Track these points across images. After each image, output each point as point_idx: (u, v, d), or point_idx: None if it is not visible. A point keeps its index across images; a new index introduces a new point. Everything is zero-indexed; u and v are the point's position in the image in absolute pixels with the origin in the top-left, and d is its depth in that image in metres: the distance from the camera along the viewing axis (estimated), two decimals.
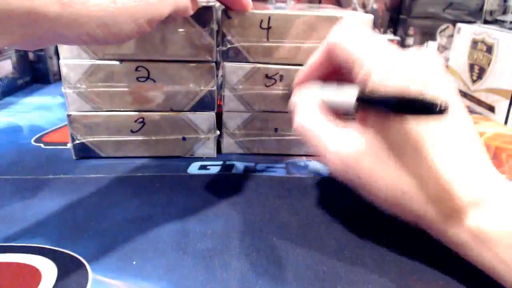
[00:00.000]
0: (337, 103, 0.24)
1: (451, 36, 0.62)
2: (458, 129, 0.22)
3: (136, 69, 0.33)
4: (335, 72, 0.26)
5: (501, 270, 0.20)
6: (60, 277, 0.22)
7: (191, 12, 0.27)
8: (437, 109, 0.18)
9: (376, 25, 0.64)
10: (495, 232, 0.20)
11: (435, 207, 0.22)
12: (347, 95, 0.23)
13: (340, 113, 0.25)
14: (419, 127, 0.21)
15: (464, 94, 0.58)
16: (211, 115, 0.35)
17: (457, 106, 0.22)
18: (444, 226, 0.22)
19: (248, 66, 0.34)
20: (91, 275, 0.22)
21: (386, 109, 0.21)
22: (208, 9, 0.32)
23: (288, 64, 0.34)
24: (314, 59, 0.27)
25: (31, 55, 0.58)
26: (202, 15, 0.32)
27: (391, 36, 0.62)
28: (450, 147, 0.21)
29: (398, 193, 0.22)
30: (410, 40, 0.62)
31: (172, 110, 0.35)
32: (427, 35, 0.61)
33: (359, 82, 0.23)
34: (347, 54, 0.24)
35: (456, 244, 0.22)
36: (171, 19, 0.29)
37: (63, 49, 0.32)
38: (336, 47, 0.25)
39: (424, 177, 0.21)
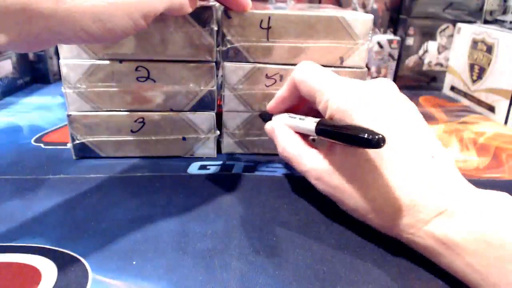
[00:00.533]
0: (302, 129, 0.28)
1: (451, 36, 0.62)
2: (414, 144, 0.24)
3: (136, 69, 0.33)
4: (301, 102, 0.31)
5: (472, 276, 0.21)
6: (60, 277, 0.22)
7: (189, 10, 0.27)
8: (374, 143, 0.21)
9: (376, 25, 0.64)
10: (461, 239, 0.21)
11: (400, 218, 0.23)
12: (309, 125, 0.27)
13: (307, 134, 0.29)
14: (372, 153, 0.23)
15: (464, 94, 0.58)
16: (211, 115, 0.35)
17: (410, 124, 0.24)
18: (411, 235, 0.23)
19: (248, 66, 0.34)
20: (91, 275, 0.22)
21: (336, 141, 0.24)
22: (208, 9, 0.32)
23: (288, 64, 0.34)
24: (281, 92, 0.31)
25: (31, 55, 0.58)
26: (202, 15, 0.32)
27: (391, 36, 0.62)
28: (406, 162, 0.23)
29: (365, 207, 0.24)
30: (410, 40, 0.61)
31: (172, 110, 0.35)
32: (427, 35, 0.61)
33: (321, 110, 0.27)
34: (310, 88, 0.28)
35: (427, 251, 0.23)
36: (167, 16, 0.29)
37: (63, 49, 0.32)
38: (301, 83, 0.29)
39: (384, 192, 0.23)
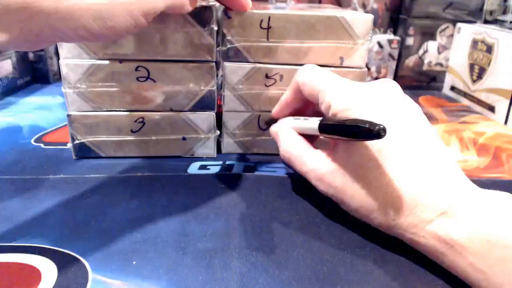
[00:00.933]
0: (306, 130, 0.28)
1: (451, 36, 0.62)
2: (417, 144, 0.24)
3: (136, 69, 0.33)
4: (305, 106, 0.31)
5: (475, 276, 0.21)
6: (60, 277, 0.22)
7: (189, 9, 0.27)
8: (375, 133, 0.21)
9: (376, 25, 0.64)
10: (464, 239, 0.21)
11: (402, 218, 0.23)
12: (313, 124, 0.27)
13: (312, 138, 0.30)
14: (374, 148, 0.24)
15: (464, 94, 0.58)
16: (211, 115, 0.35)
17: (413, 124, 0.24)
18: (413, 235, 0.23)
19: (248, 66, 0.34)
20: (91, 275, 0.22)
21: (338, 136, 0.25)
22: (208, 9, 0.32)
23: (288, 64, 0.34)
24: (285, 97, 0.32)
25: (31, 55, 0.58)
26: (202, 15, 0.32)
27: (391, 36, 0.62)
28: (409, 161, 0.23)
29: (367, 206, 0.24)
30: (410, 40, 0.61)
31: (172, 110, 0.35)
32: (427, 35, 0.61)
33: (324, 110, 0.27)
34: (312, 89, 0.28)
35: (429, 251, 0.23)
36: (167, 16, 0.29)
37: (63, 49, 0.32)
38: (303, 84, 0.29)
39: (387, 191, 0.23)
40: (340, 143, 0.26)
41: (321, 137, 0.28)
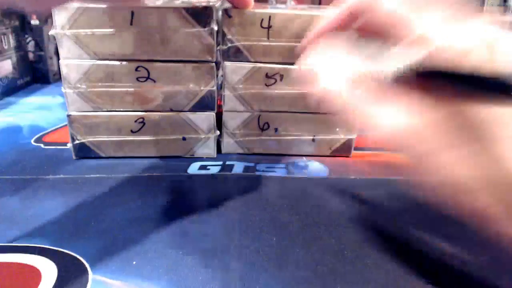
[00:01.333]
0: (378, 67, 0.19)
1: None
2: None
3: (136, 69, 0.33)
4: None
5: None
6: (60, 277, 0.22)
7: None
8: None
9: None
10: None
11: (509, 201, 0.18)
12: (391, 59, 0.19)
13: (380, 81, 0.20)
14: (502, 109, 0.17)
15: None
16: (211, 115, 0.35)
17: None
18: None
19: (248, 65, 0.34)
20: (91, 275, 0.22)
21: (453, 85, 0.17)
22: (208, 9, 0.32)
23: (288, 64, 0.34)
24: (334, 17, 0.22)
25: (31, 55, 0.58)
26: (202, 15, 0.32)
27: None
28: None
29: (465, 183, 0.18)
30: None
31: (172, 110, 0.35)
32: None
33: (409, 45, 0.19)
34: (388, 15, 0.20)
35: None
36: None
37: (63, 49, 0.32)
38: (372, 8, 0.20)
39: (503, 166, 0.17)
40: (437, 97, 0.18)
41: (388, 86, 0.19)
